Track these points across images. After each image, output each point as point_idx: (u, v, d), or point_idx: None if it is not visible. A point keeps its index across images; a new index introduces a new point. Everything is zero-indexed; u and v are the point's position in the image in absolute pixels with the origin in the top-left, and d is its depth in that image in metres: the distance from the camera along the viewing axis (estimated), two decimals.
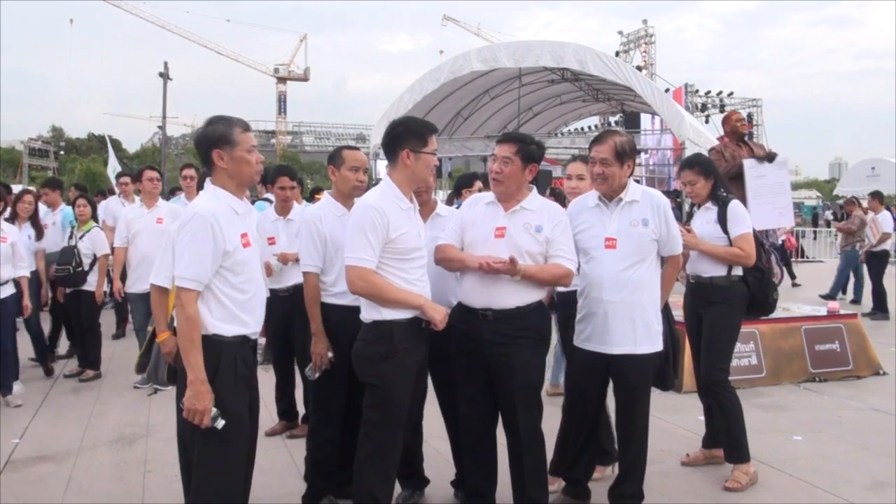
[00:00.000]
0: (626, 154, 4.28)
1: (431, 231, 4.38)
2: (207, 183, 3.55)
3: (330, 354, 4.38)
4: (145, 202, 7.78)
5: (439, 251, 4.17)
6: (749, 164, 7.51)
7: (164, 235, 7.39)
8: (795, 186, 69.20)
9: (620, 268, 4.22)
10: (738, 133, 7.89)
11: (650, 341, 4.27)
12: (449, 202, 7.15)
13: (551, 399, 5.66)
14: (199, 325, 3.32)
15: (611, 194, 4.32)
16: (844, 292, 14.47)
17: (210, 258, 3.33)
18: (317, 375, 4.42)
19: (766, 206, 7.41)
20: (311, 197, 11.56)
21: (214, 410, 3.30)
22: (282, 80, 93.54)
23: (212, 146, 3.44)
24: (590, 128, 35.04)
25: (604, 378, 4.43)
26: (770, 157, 7.55)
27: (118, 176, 11.31)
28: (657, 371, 4.38)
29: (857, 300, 14.22)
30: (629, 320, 4.22)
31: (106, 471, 5.34)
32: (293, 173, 6.23)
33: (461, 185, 6.40)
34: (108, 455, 5.67)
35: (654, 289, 4.33)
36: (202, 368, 3.29)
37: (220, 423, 3.32)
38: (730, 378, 5.07)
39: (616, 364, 4.27)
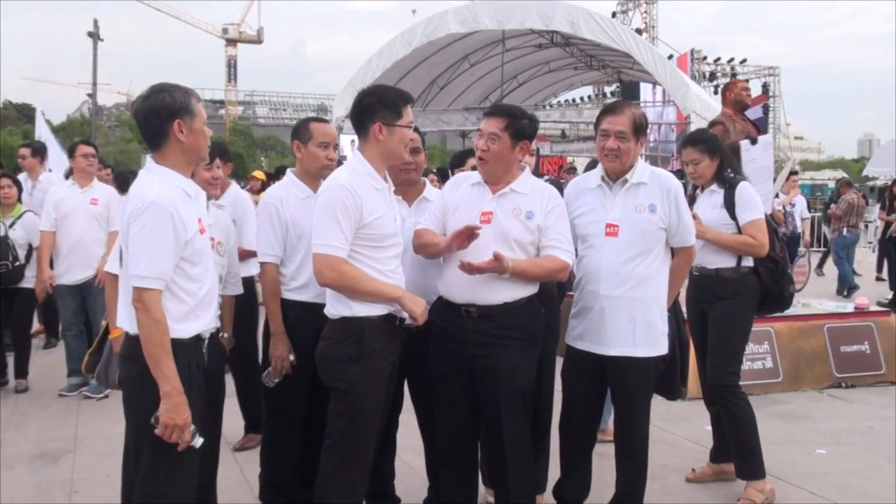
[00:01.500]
0: (643, 129, 4.26)
1: (417, 217, 4.35)
2: (150, 162, 3.46)
3: (291, 357, 4.36)
4: (79, 181, 7.65)
5: (416, 236, 4.15)
6: (745, 146, 7.57)
7: (100, 220, 7.41)
8: (818, 166, 69.71)
9: (622, 259, 4.18)
10: (743, 104, 7.91)
11: (652, 343, 4.25)
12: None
13: None
14: (168, 329, 3.28)
15: (617, 174, 4.29)
16: (879, 270, 14.58)
17: (172, 252, 3.29)
18: (276, 381, 4.39)
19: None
20: (276, 175, 11.41)
21: (192, 426, 3.29)
22: (231, 42, 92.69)
23: (173, 116, 3.36)
24: (582, 99, 35.12)
25: (598, 382, 4.41)
26: (754, 140, 7.61)
27: (19, 147, 11.06)
28: (664, 377, 4.38)
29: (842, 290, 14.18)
30: (629, 318, 4.19)
31: (25, 491, 5.28)
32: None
33: (453, 165, 6.40)
34: (28, 474, 5.60)
35: (659, 284, 4.29)
36: (178, 378, 3.26)
37: (199, 441, 3.32)
38: (741, 383, 5.08)
39: (612, 367, 4.26)
